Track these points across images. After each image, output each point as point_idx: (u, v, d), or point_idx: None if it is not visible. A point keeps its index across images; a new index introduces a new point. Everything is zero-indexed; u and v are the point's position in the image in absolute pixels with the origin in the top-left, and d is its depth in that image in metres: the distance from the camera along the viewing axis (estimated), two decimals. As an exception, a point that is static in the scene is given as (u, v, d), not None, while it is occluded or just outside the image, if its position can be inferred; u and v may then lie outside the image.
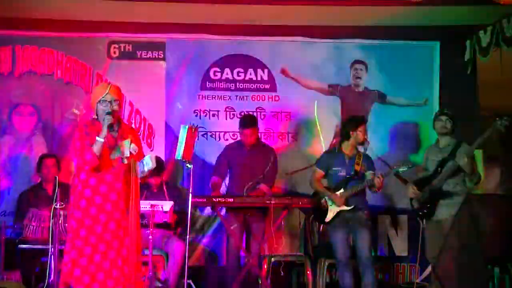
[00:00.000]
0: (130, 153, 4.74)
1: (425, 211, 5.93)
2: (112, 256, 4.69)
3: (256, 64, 7.28)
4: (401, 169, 6.10)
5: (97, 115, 4.79)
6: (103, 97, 4.75)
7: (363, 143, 6.30)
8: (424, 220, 6.00)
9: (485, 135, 5.65)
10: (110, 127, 4.67)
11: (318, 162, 6.46)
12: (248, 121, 6.53)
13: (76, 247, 4.68)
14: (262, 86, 7.28)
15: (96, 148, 4.64)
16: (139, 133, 4.99)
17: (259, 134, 6.72)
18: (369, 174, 6.17)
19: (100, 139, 4.64)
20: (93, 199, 4.70)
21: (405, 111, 7.32)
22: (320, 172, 6.31)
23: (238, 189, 6.48)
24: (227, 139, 7.14)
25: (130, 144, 4.75)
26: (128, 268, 4.70)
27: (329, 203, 6.17)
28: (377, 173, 6.20)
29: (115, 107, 4.74)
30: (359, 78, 7.33)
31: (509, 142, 8.40)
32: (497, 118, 5.56)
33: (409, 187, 6.06)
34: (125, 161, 4.76)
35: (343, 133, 6.31)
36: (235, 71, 7.27)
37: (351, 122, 6.27)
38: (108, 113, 4.68)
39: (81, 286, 4.65)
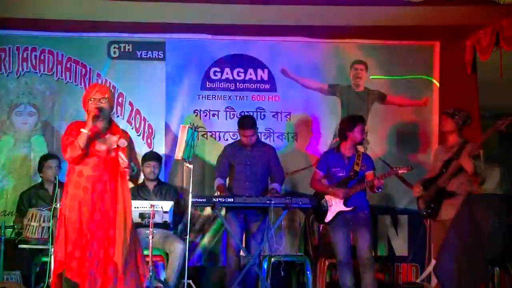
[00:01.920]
0: (118, 146, 4.89)
1: (429, 211, 5.93)
2: (95, 247, 4.80)
3: (256, 64, 7.28)
4: (400, 171, 6.11)
5: (88, 114, 4.94)
6: (92, 96, 4.92)
7: (361, 143, 6.30)
8: (429, 220, 5.99)
9: (486, 135, 5.65)
10: (95, 118, 4.82)
11: (318, 163, 6.47)
12: (248, 122, 6.51)
13: (70, 240, 4.79)
14: (262, 86, 7.28)
15: (80, 140, 4.80)
16: (130, 137, 5.17)
17: (259, 134, 6.72)
18: (369, 174, 6.18)
19: (84, 131, 4.80)
20: (82, 191, 4.83)
21: (405, 111, 7.32)
22: (320, 173, 6.33)
23: (239, 189, 6.48)
24: (227, 139, 7.14)
25: (119, 139, 4.91)
26: (110, 259, 4.81)
27: (330, 203, 6.18)
28: (377, 173, 6.21)
29: (103, 104, 4.90)
30: (359, 78, 7.33)
31: (509, 142, 8.40)
32: (498, 118, 5.57)
33: (415, 186, 6.04)
34: (112, 154, 4.90)
35: (341, 134, 6.32)
36: (235, 71, 7.27)
37: (348, 123, 6.28)
38: (95, 108, 4.86)
39: (77, 277, 4.76)
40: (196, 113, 7.19)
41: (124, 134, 5.06)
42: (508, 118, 5.52)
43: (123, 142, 4.90)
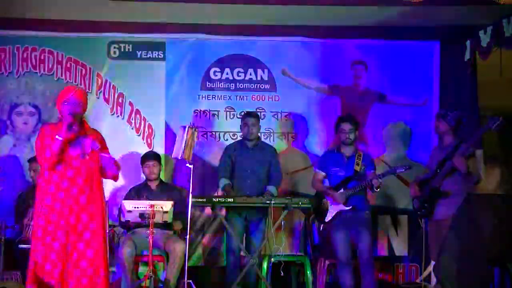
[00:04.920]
0: (92, 149, 4.99)
1: (423, 210, 5.95)
2: (69, 248, 4.88)
3: (256, 64, 7.28)
4: (398, 170, 6.12)
5: (61, 115, 5.02)
6: (67, 99, 4.98)
7: (346, 142, 6.24)
8: (423, 220, 6.02)
9: (477, 134, 5.67)
10: (69, 126, 4.90)
11: (318, 163, 6.48)
12: (252, 112, 6.64)
13: (45, 243, 4.87)
14: (262, 86, 7.28)
15: (54, 146, 4.87)
16: (102, 137, 5.31)
17: (259, 134, 6.73)
18: (369, 174, 6.18)
19: (58, 138, 4.87)
20: (57, 194, 4.91)
21: (405, 111, 7.32)
22: (320, 173, 6.34)
23: (240, 188, 6.48)
24: (227, 139, 7.14)
25: (92, 142, 5.00)
26: (85, 262, 4.90)
27: (330, 202, 6.19)
28: (377, 173, 6.21)
29: (78, 109, 4.98)
30: (359, 78, 7.33)
31: (509, 142, 8.41)
32: (490, 118, 5.59)
33: (412, 186, 6.07)
34: (86, 157, 4.99)
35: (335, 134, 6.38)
36: (235, 71, 7.27)
37: (337, 121, 6.32)
38: (69, 114, 4.92)
39: (52, 279, 4.84)
40: (196, 113, 7.20)
41: (96, 134, 5.15)
42: (499, 118, 5.54)
43: (97, 145, 5.01)
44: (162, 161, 6.78)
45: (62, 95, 5.02)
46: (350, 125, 6.20)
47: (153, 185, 6.58)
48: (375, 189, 6.10)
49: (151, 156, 6.62)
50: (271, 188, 6.46)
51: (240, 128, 6.66)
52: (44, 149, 4.90)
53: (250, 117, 6.55)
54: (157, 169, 6.57)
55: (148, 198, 6.30)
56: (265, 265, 6.36)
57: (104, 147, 5.16)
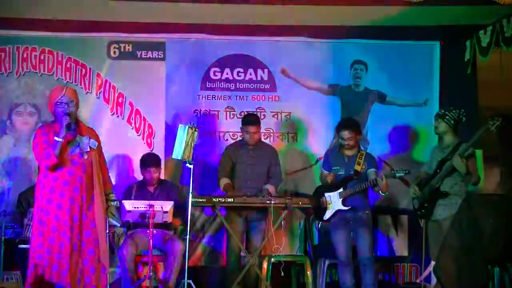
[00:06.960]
0: (91, 148, 5.02)
1: (423, 211, 5.96)
2: (74, 248, 4.90)
3: (256, 64, 7.28)
4: (398, 174, 6.11)
5: (55, 116, 5.03)
6: (59, 99, 4.99)
7: (346, 147, 6.23)
8: (424, 220, 6.03)
9: (477, 135, 5.68)
10: (68, 127, 4.90)
11: (323, 162, 6.48)
12: (252, 118, 6.56)
13: (47, 244, 4.88)
14: (262, 86, 7.29)
15: (55, 149, 4.87)
16: (97, 133, 5.37)
17: (260, 134, 6.73)
18: (370, 173, 6.17)
19: (58, 139, 4.87)
20: (57, 195, 4.91)
21: (405, 111, 7.32)
22: (326, 172, 6.34)
23: (240, 188, 6.48)
24: (227, 139, 7.14)
25: (89, 140, 5.03)
26: (87, 262, 4.94)
27: (329, 201, 6.19)
28: (379, 173, 6.20)
29: (72, 109, 4.99)
30: (359, 78, 7.33)
31: (509, 142, 8.40)
32: (489, 118, 5.60)
33: (412, 187, 6.08)
34: (85, 156, 5.01)
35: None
36: (235, 71, 7.27)
37: (337, 126, 6.32)
38: (65, 114, 4.93)
39: (59, 279, 4.87)
40: (196, 113, 7.19)
41: (92, 132, 5.16)
42: (499, 118, 5.54)
43: (94, 143, 5.04)
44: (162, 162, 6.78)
45: (53, 96, 5.02)
46: (349, 133, 6.16)
47: (152, 188, 6.52)
48: (380, 191, 6.10)
49: (152, 161, 6.50)
50: (269, 187, 6.44)
51: (241, 131, 6.62)
52: (44, 152, 4.89)
53: (252, 125, 6.47)
54: (158, 174, 6.51)
55: (146, 198, 6.27)
56: (265, 265, 6.35)
57: (100, 153, 5.19)
